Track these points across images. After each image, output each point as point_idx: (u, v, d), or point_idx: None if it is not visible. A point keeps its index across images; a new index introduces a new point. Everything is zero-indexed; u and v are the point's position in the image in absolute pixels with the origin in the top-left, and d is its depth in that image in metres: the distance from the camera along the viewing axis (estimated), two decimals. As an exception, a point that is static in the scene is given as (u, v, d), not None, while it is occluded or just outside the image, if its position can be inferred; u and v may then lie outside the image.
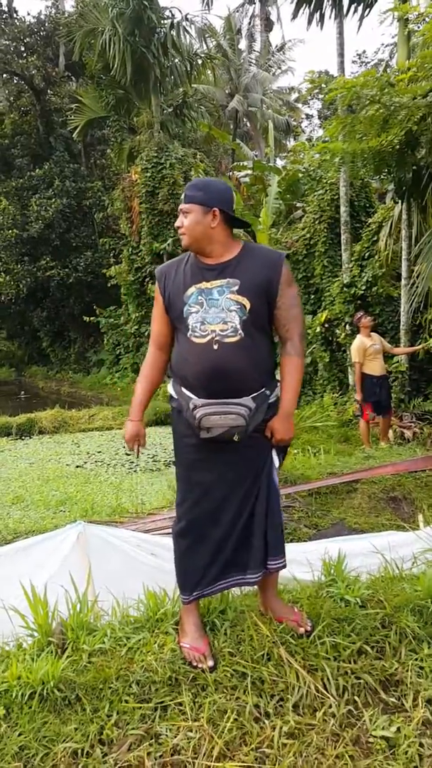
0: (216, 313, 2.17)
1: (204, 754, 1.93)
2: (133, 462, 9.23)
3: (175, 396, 2.31)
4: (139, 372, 2.54)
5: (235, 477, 2.28)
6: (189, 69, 17.23)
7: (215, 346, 2.16)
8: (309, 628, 2.35)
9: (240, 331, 2.16)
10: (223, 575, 2.34)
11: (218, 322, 2.17)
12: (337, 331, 10.27)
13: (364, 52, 35.06)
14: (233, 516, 2.29)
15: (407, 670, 2.23)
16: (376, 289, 9.70)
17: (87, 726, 1.98)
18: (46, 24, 21.67)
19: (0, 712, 2.00)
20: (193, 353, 2.20)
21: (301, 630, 2.34)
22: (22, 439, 11.71)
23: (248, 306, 2.17)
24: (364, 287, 9.84)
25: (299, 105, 32.18)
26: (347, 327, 10.03)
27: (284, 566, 2.40)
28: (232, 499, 2.29)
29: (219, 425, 2.17)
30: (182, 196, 2.30)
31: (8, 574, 3.04)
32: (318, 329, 10.52)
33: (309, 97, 29.87)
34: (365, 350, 7.29)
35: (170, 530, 2.48)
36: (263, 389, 2.23)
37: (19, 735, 1.95)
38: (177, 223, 2.27)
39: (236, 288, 2.19)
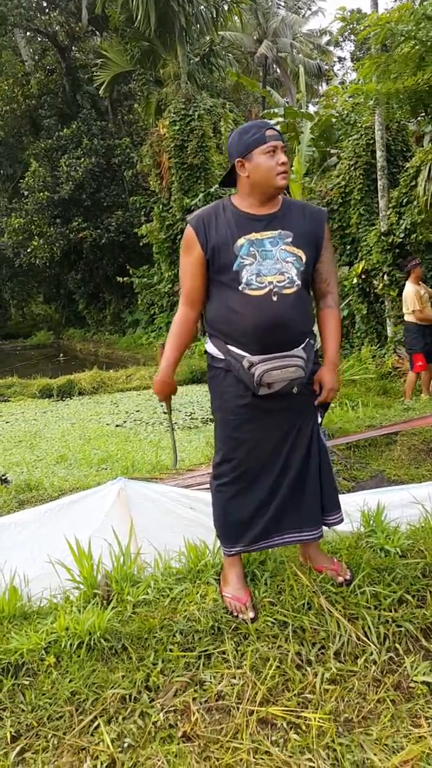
0: (271, 265, 2.16)
1: (248, 700, 1.98)
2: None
3: (220, 356, 2.22)
4: None
5: (282, 433, 2.27)
6: (215, 16, 16.69)
7: (274, 298, 2.15)
8: (348, 577, 2.36)
9: (297, 282, 2.18)
10: (275, 531, 2.34)
11: (275, 274, 2.16)
12: (375, 282, 10.04)
13: (399, -15, 33.27)
14: (280, 472, 2.28)
15: (449, 618, 2.23)
16: (415, 236, 9.39)
17: (134, 674, 2.05)
18: (67, -24, 21.16)
19: (51, 661, 2.08)
20: (249, 306, 2.14)
21: (341, 579, 2.36)
22: (63, 401, 11.94)
23: (304, 258, 2.20)
24: (402, 235, 9.54)
25: (331, 48, 30.91)
26: (385, 277, 9.80)
27: (342, 520, 2.42)
28: (279, 455, 2.28)
29: (281, 379, 2.15)
30: (271, 133, 2.17)
31: (54, 530, 3.12)
32: (355, 280, 10.30)
33: (340, 38, 28.62)
34: (421, 297, 7.17)
35: (208, 485, 2.49)
36: (308, 339, 2.25)
37: (70, 681, 2.03)
38: (284, 159, 2.17)
39: (290, 239, 2.19)
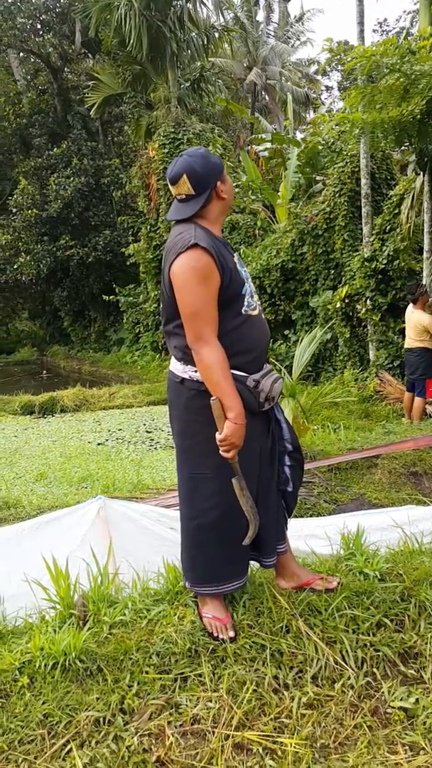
0: (251, 286, 2.25)
1: (223, 724, 1.95)
2: (153, 440, 9.29)
3: None
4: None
5: (267, 449, 2.30)
6: (206, 42, 16.93)
7: (263, 316, 2.29)
8: (340, 580, 2.42)
9: None
10: (262, 555, 2.39)
11: (255, 293, 2.26)
12: (358, 306, 10.15)
13: (385, 20, 34.24)
14: (266, 492, 2.31)
15: (426, 643, 2.23)
16: (397, 263, 9.53)
17: (108, 696, 2.02)
18: (62, 0, 21.40)
19: (24, 681, 2.05)
20: (255, 326, 2.20)
21: (334, 584, 2.39)
22: (45, 418, 11.84)
23: None
24: (385, 261, 9.68)
25: (318, 77, 31.58)
26: (368, 302, 9.91)
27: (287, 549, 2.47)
28: (268, 475, 2.30)
29: (279, 390, 2.23)
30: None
31: (31, 548, 3.09)
32: (338, 305, 10.40)
33: (328, 68, 29.25)
34: None
35: None
36: None
37: (43, 703, 1.99)
38: None
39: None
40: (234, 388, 2.07)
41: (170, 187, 2.17)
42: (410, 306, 7.51)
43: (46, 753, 1.87)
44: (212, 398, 2.05)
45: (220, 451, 2.08)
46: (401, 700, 2.06)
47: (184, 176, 2.10)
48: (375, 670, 2.17)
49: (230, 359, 2.11)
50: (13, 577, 2.69)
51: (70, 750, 1.87)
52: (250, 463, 2.21)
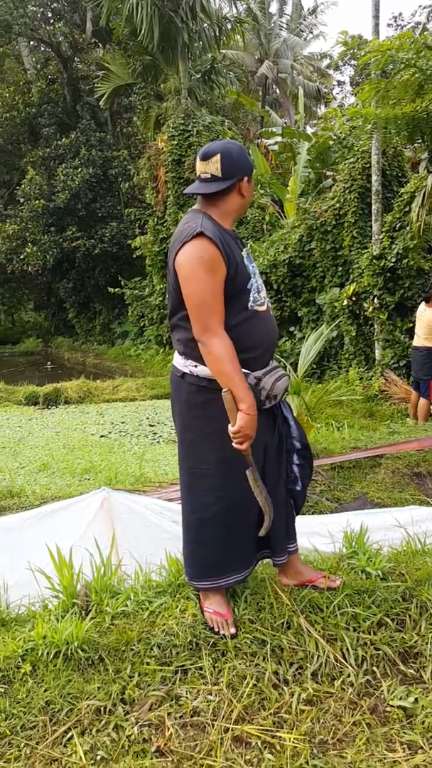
0: (259, 281, 2.21)
1: (223, 717, 1.97)
2: (156, 433, 9.31)
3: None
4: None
5: (273, 447, 2.29)
6: (218, 34, 16.83)
7: (270, 312, 2.25)
8: (342, 579, 2.42)
9: None
10: (265, 549, 2.40)
11: (263, 289, 2.22)
12: (365, 304, 10.12)
13: (400, 14, 34.16)
14: (277, 492, 2.30)
15: (426, 643, 2.24)
16: (406, 261, 9.49)
17: (110, 685, 2.04)
18: (73, -11, 21.35)
19: (27, 669, 2.07)
20: (260, 322, 2.18)
21: (337, 583, 2.39)
22: (49, 409, 11.86)
23: None
24: (394, 259, 9.64)
25: (330, 71, 31.40)
26: (375, 300, 9.88)
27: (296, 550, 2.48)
28: (275, 473, 2.30)
29: (282, 389, 2.19)
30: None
31: (35, 537, 3.10)
32: (345, 302, 10.38)
33: (341, 63, 29.06)
34: None
35: None
36: None
37: (45, 691, 2.02)
38: None
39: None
40: (244, 380, 2.06)
41: (198, 164, 2.14)
42: (422, 304, 7.45)
43: (47, 739, 1.89)
44: (224, 390, 2.03)
45: (233, 443, 2.07)
46: (400, 699, 2.07)
47: (218, 155, 2.09)
48: (375, 668, 2.18)
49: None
50: (16, 566, 2.71)
51: (71, 737, 1.89)
52: (254, 459, 2.20)
